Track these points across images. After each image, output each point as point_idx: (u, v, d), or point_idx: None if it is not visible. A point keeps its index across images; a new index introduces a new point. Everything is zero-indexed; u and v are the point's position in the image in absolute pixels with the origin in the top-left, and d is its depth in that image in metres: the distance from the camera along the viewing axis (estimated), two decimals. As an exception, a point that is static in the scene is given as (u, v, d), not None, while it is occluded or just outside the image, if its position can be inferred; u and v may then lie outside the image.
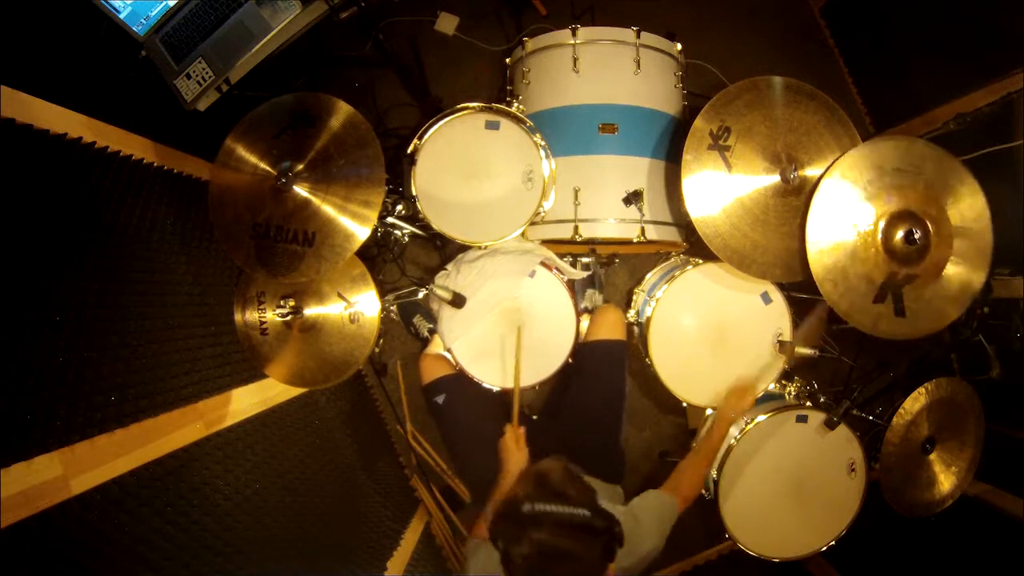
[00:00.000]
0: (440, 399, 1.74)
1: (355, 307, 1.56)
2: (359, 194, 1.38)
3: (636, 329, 1.91)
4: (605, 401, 1.73)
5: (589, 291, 2.06)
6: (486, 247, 1.71)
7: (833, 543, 1.69)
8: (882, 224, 1.47)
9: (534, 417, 1.98)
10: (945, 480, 1.71)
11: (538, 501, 0.96)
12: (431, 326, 2.00)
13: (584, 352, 1.77)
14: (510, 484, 1.43)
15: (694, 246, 1.82)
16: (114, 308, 1.17)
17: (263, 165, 1.43)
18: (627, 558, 1.21)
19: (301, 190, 1.39)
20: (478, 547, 1.30)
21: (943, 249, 1.49)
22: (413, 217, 1.74)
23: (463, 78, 2.27)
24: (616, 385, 1.75)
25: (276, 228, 1.39)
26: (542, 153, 1.60)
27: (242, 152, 1.45)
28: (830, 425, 1.60)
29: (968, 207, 1.51)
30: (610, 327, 1.78)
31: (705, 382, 1.71)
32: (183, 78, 1.54)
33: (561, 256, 1.92)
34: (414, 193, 1.58)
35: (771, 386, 1.74)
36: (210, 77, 1.53)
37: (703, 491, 1.77)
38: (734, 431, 1.66)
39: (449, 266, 1.82)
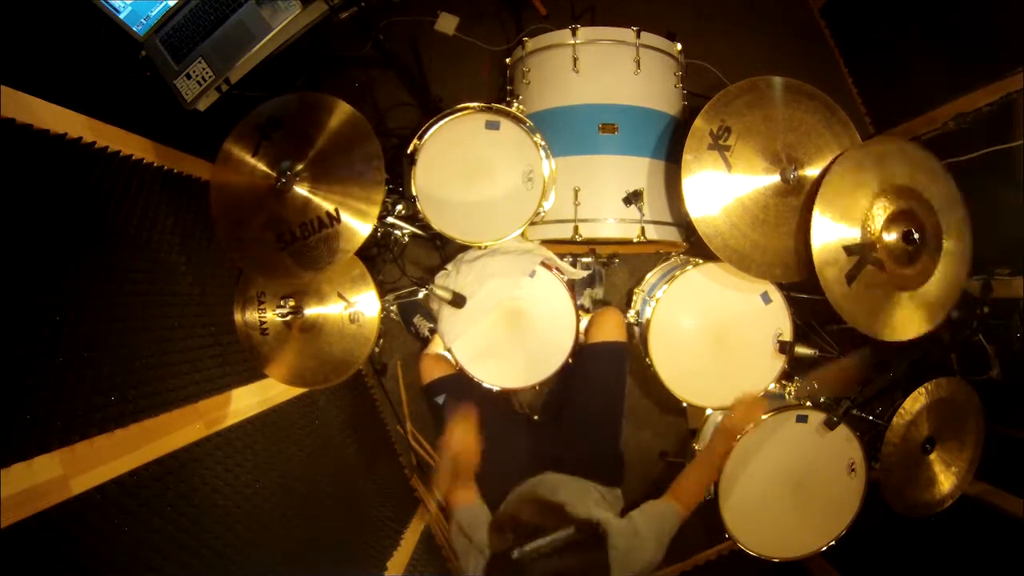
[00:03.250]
0: (440, 399, 1.74)
1: (355, 307, 1.56)
2: (358, 192, 1.37)
3: (636, 329, 1.91)
4: (605, 404, 1.73)
5: (588, 290, 2.06)
6: (486, 247, 1.71)
7: (833, 543, 1.69)
8: (882, 221, 1.47)
9: (535, 417, 1.99)
10: (945, 480, 1.71)
11: (522, 544, 0.98)
12: (432, 326, 2.00)
13: (584, 354, 1.77)
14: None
15: (694, 246, 1.82)
16: (114, 308, 1.17)
17: (261, 167, 1.41)
18: (625, 570, 1.21)
19: (301, 190, 1.38)
20: (467, 551, 1.29)
21: (928, 264, 1.51)
22: (413, 217, 1.74)
23: (463, 78, 2.27)
24: (616, 388, 1.74)
25: (300, 227, 1.38)
26: (542, 153, 1.60)
27: (239, 161, 1.43)
28: (830, 425, 1.60)
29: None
30: (611, 329, 1.78)
31: (705, 382, 1.71)
32: (183, 78, 1.54)
33: (561, 256, 1.92)
34: (414, 193, 1.58)
35: (771, 386, 1.74)
36: (210, 77, 1.53)
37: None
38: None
39: (449, 266, 1.82)
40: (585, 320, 1.87)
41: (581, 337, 1.81)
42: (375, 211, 1.36)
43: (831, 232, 1.46)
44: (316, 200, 1.37)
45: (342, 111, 1.41)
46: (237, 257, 1.43)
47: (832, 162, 1.50)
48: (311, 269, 1.38)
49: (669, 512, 1.37)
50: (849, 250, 1.45)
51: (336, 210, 1.36)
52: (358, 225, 1.36)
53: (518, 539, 0.99)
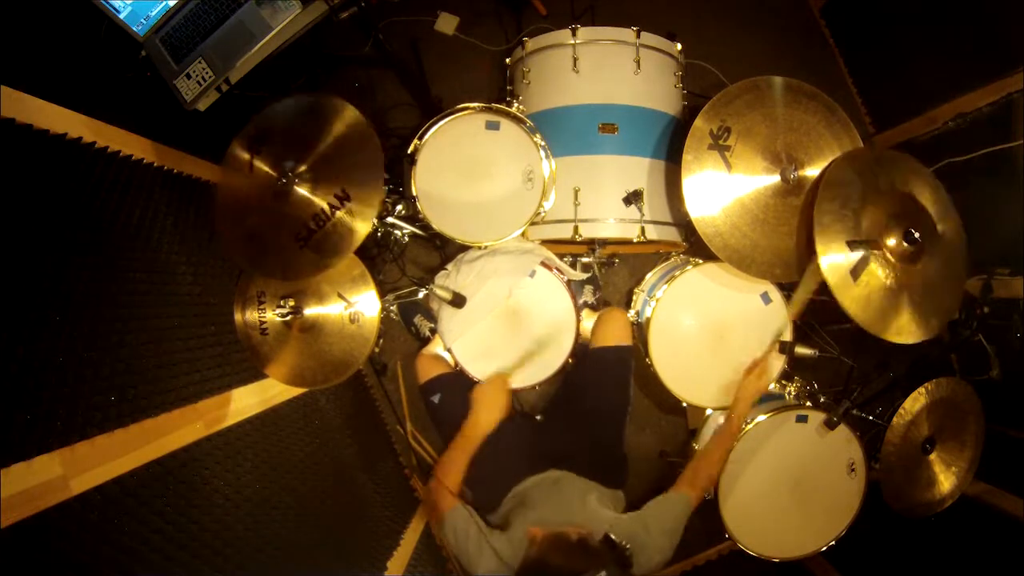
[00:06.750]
0: (436, 398, 1.74)
1: (355, 307, 1.56)
2: (358, 195, 1.37)
3: (636, 329, 1.91)
4: (611, 408, 1.72)
5: (587, 287, 2.06)
6: (486, 247, 1.71)
7: (833, 543, 1.69)
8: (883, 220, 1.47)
9: (538, 418, 1.99)
10: (945, 480, 1.71)
11: None
12: (432, 326, 2.00)
13: (590, 358, 1.77)
14: (475, 428, 1.48)
15: (694, 246, 1.82)
16: (114, 308, 1.17)
17: (260, 172, 1.41)
18: (638, 568, 1.22)
19: (303, 191, 1.38)
20: (481, 548, 1.30)
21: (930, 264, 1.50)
22: (413, 217, 1.74)
23: (463, 78, 2.27)
24: (622, 392, 1.74)
25: (313, 218, 1.37)
26: (542, 153, 1.60)
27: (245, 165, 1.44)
28: (830, 425, 1.60)
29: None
30: (617, 333, 1.77)
31: (705, 382, 1.71)
32: (183, 78, 1.54)
33: (561, 256, 1.92)
34: (414, 193, 1.58)
35: (771, 386, 1.74)
36: (210, 77, 1.53)
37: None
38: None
39: (449, 266, 1.82)
40: (589, 321, 1.87)
41: (584, 338, 1.81)
42: (376, 209, 1.36)
43: (834, 235, 1.45)
44: (319, 195, 1.38)
45: (348, 115, 1.40)
46: (263, 272, 1.44)
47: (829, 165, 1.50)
48: (338, 256, 1.38)
49: (680, 504, 1.38)
50: (855, 244, 1.44)
51: (343, 190, 1.36)
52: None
53: None
